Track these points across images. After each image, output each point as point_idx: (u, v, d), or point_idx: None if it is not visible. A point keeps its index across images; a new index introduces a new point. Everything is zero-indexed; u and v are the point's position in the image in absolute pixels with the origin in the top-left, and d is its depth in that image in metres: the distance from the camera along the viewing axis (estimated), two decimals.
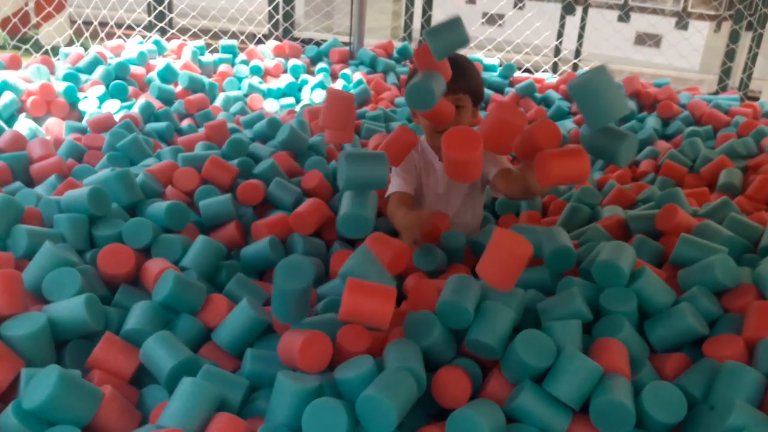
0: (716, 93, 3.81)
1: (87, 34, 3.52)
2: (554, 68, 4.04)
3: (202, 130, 2.23)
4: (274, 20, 4.08)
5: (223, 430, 0.97)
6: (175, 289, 1.26)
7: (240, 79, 3.24)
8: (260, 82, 3.26)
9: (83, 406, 0.98)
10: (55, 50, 3.27)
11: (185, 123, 2.64)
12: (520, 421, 1.06)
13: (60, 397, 0.95)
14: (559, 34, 4.35)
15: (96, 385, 1.06)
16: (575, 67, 4.07)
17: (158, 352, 1.11)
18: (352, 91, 3.17)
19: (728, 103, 2.92)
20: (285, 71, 3.49)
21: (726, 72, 3.86)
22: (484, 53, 3.90)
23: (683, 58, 4.79)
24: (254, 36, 3.99)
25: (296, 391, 0.99)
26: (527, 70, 3.91)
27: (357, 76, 3.40)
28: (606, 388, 1.03)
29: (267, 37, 4.06)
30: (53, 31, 3.60)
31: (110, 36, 3.57)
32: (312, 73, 3.53)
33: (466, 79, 1.71)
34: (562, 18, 4.48)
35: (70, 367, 1.13)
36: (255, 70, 3.34)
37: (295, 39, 4.08)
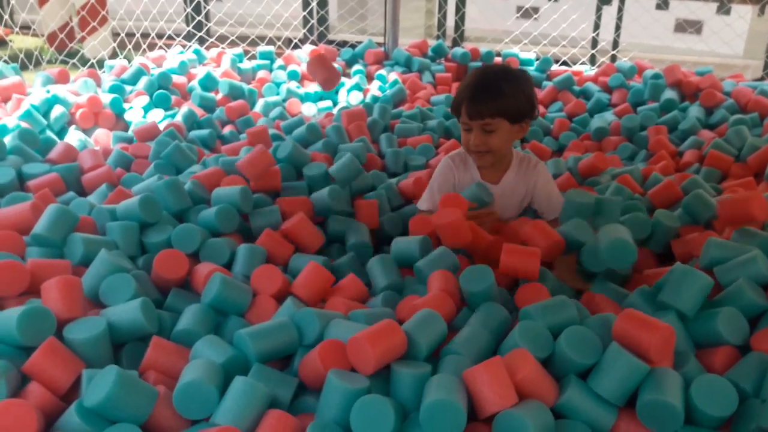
0: (762, 79, 3.70)
1: (130, 47, 3.64)
2: (592, 60, 3.99)
3: (243, 136, 2.29)
4: (309, 25, 4.14)
5: (275, 426, 1.00)
6: (222, 291, 1.30)
7: (278, 85, 3.30)
8: (298, 87, 3.31)
9: (140, 404, 1.01)
10: (100, 63, 3.38)
11: (227, 129, 2.71)
12: (567, 417, 1.06)
13: (118, 396, 0.99)
14: (596, 26, 4.29)
15: (152, 384, 1.10)
16: (613, 58, 4.01)
17: (206, 353, 1.14)
18: (388, 92, 3.19)
19: None
20: None
21: None
22: (520, 47, 3.88)
23: (726, 44, 4.66)
24: (290, 41, 4.05)
25: (345, 391, 1.02)
26: (564, 63, 3.86)
27: (392, 76, 3.41)
28: (654, 386, 1.02)
29: (303, 41, 4.12)
30: (98, 45, 3.73)
31: (152, 47, 3.68)
32: (348, 76, 3.56)
33: (495, 100, 1.62)
34: (599, 9, 4.41)
35: (128, 368, 1.18)
36: (292, 75, 3.39)
37: (330, 42, 4.13)
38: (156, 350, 1.17)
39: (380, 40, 3.92)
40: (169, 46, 3.70)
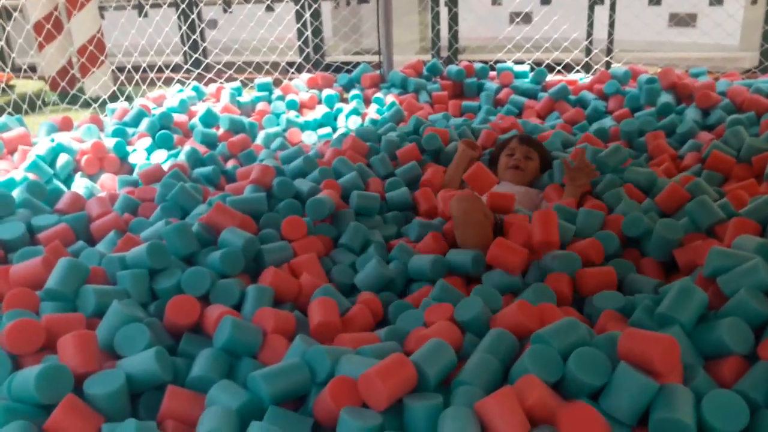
0: (759, 65, 3.73)
1: (130, 88, 3.69)
2: (587, 68, 4.01)
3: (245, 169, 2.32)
4: (305, 53, 4.19)
5: None
6: (234, 334, 1.32)
7: (278, 115, 3.34)
8: (297, 116, 3.35)
9: None
10: (101, 105, 3.44)
11: (230, 164, 2.74)
12: None
13: None
14: (590, 26, 4.30)
15: None
16: (608, 65, 4.03)
17: (222, 398, 1.16)
18: (386, 114, 3.22)
19: None
20: (320, 102, 3.58)
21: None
22: (514, 59, 3.91)
23: (721, 35, 4.64)
24: (289, 67, 4.11)
25: (359, 430, 1.03)
26: (559, 72, 3.89)
27: (389, 98, 3.45)
28: (664, 403, 1.03)
29: (299, 69, 4.18)
30: (98, 89, 3.79)
31: (151, 83, 3.73)
32: (346, 101, 3.60)
33: (537, 142, 2.38)
34: (591, 8, 4.44)
35: (145, 419, 1.20)
36: (291, 105, 3.43)
37: (328, 67, 4.19)
38: (172, 399, 1.19)
39: (376, 57, 3.96)
40: (169, 80, 3.77)
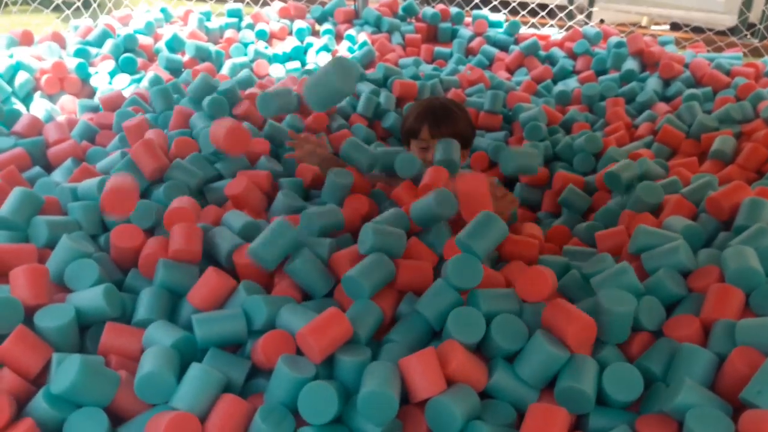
0: (734, 28, 3.81)
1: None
2: (569, 15, 3.99)
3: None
4: None
5: (228, 410, 1.10)
6: (167, 275, 1.37)
7: (246, 45, 3.28)
8: (266, 47, 3.30)
9: (104, 390, 1.10)
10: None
11: None
12: (495, 398, 1.18)
13: (83, 383, 1.07)
14: None
15: (113, 368, 1.19)
16: (589, 15, 4.02)
17: (158, 336, 1.23)
18: (357, 53, 3.20)
19: (730, 62, 2.90)
20: (290, 33, 3.52)
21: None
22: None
23: None
24: None
25: (293, 379, 1.11)
26: (533, 24, 3.88)
27: (362, 36, 3.42)
28: (570, 373, 1.14)
29: None
30: None
31: None
32: (317, 34, 3.55)
33: (455, 122, 1.89)
34: None
35: (92, 351, 1.27)
36: (260, 35, 3.37)
37: None
38: (110, 335, 1.25)
39: None
40: None
